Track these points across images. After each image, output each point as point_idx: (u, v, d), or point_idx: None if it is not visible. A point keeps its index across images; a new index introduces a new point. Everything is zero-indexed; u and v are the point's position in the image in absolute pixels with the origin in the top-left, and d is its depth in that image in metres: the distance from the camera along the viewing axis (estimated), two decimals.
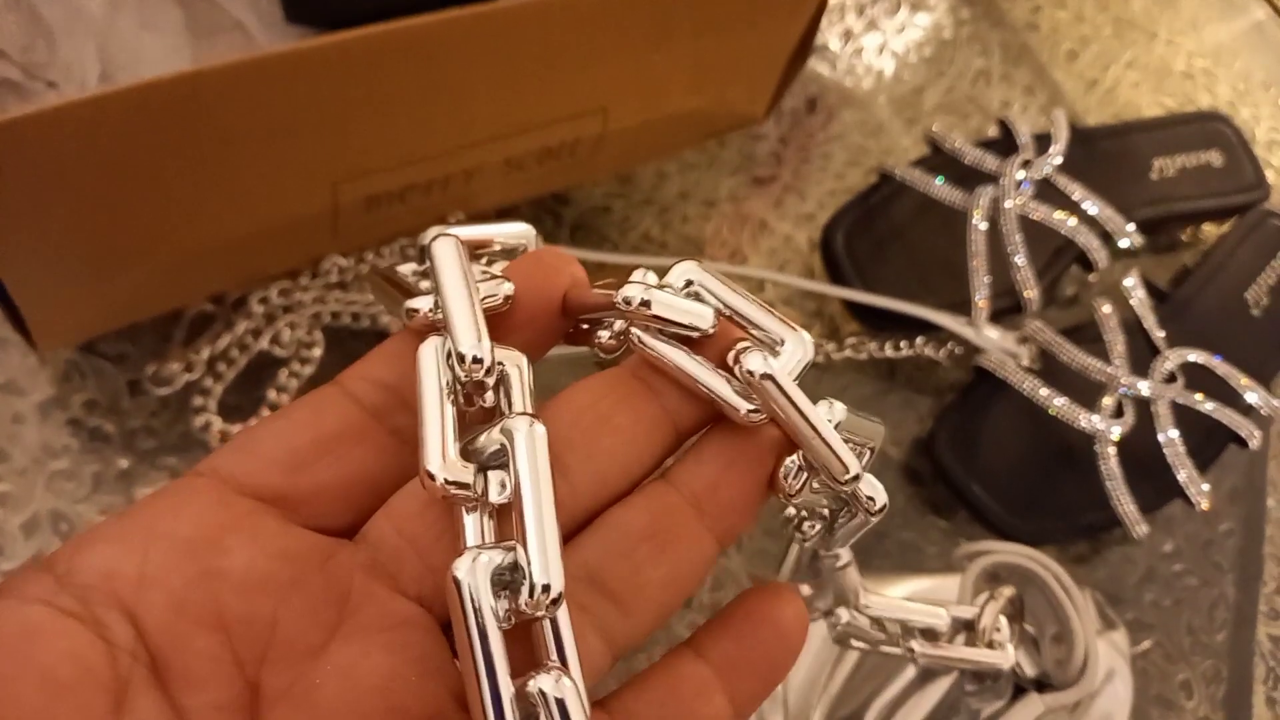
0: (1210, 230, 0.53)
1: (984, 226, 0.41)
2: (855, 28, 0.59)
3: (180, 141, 0.29)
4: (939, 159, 0.46)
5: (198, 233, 0.32)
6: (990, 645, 0.26)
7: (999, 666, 0.25)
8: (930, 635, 0.28)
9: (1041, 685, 0.27)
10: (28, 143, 0.26)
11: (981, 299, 0.41)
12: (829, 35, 0.58)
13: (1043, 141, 0.45)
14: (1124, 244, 0.44)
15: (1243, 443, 0.41)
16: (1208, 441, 0.42)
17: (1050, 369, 0.41)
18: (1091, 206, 0.43)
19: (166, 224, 0.31)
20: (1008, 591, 0.27)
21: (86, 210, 0.29)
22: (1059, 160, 0.44)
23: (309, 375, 0.35)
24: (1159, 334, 0.41)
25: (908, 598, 0.29)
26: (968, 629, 0.27)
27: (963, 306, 0.43)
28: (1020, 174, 0.43)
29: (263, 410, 0.35)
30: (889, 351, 0.43)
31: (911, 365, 0.48)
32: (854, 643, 0.26)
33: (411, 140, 0.33)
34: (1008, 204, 0.41)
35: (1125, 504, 0.39)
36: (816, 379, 0.47)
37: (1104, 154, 0.48)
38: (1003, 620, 0.26)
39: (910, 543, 0.45)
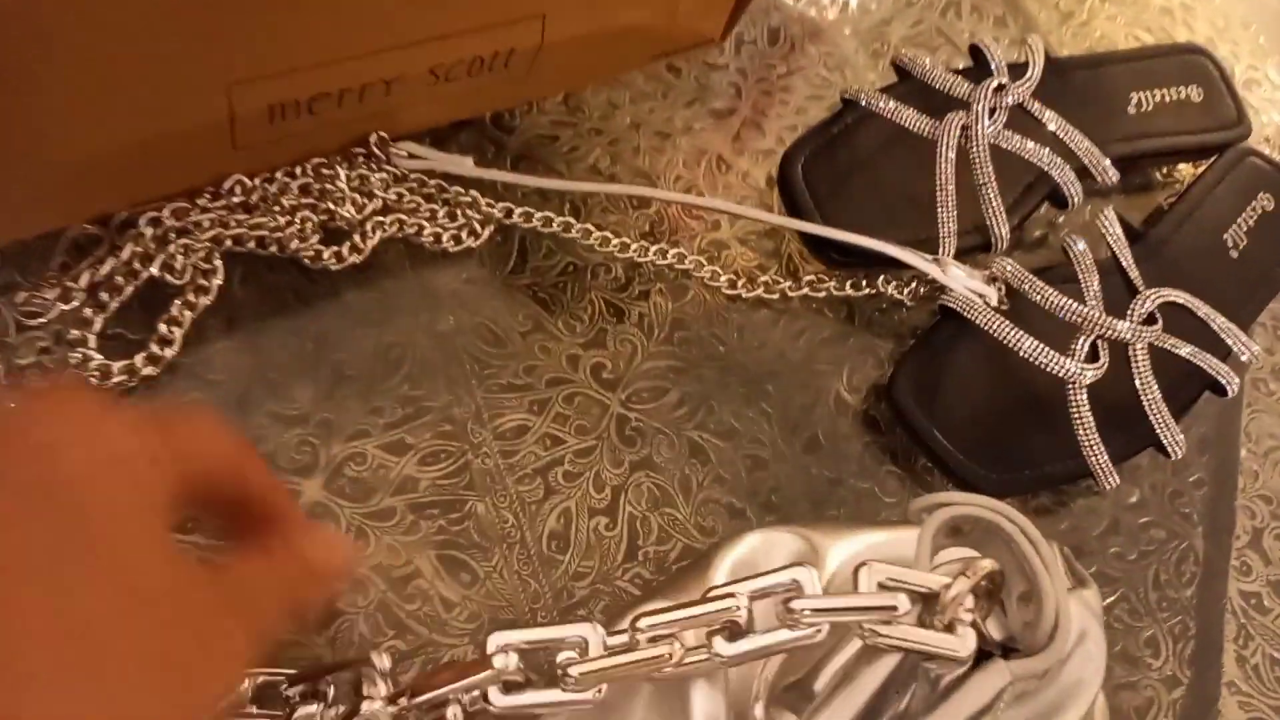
0: (1186, 170, 0.51)
1: (953, 156, 0.38)
2: None
3: (49, 35, 0.25)
4: (906, 86, 0.43)
5: (74, 142, 0.28)
6: (950, 627, 0.23)
7: (955, 655, 0.23)
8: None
9: (1007, 650, 0.25)
10: None
11: (949, 234, 0.38)
12: None
13: (1016, 70, 0.42)
14: (1102, 180, 0.41)
15: (1221, 390, 0.39)
16: (1182, 388, 0.40)
17: (1019, 310, 0.39)
18: (1069, 138, 0.40)
19: (37, 132, 0.27)
20: (986, 565, 0.24)
21: None
22: (1034, 85, 0.41)
23: (206, 305, 0.32)
24: (1135, 273, 0.38)
25: (863, 556, 0.26)
26: (925, 600, 0.24)
27: (927, 244, 0.40)
28: (993, 100, 0.40)
29: (151, 345, 0.31)
30: (849, 290, 0.40)
31: (872, 307, 0.45)
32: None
33: (319, 38, 0.29)
34: (980, 131, 0.38)
35: (1098, 454, 0.37)
36: (774, 321, 0.45)
37: (1079, 85, 0.45)
38: (969, 598, 0.24)
39: (866, 491, 0.43)
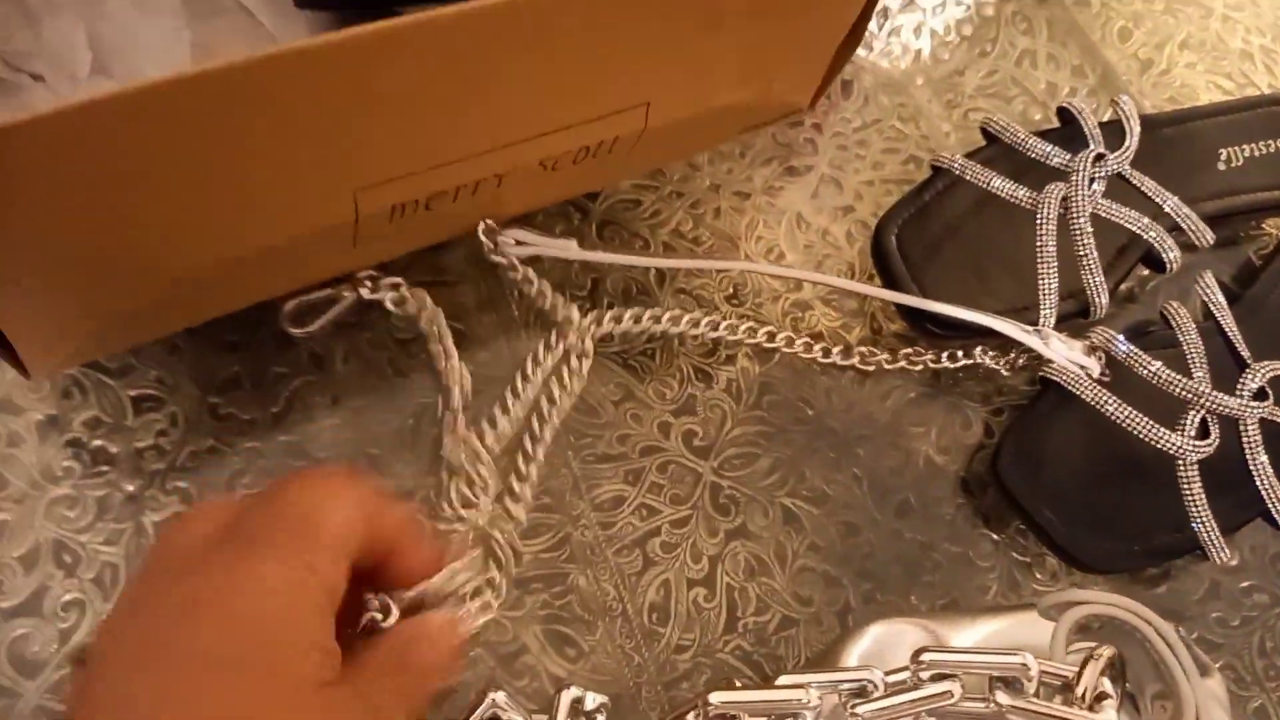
0: (1272, 223, 0.50)
1: (1054, 228, 0.38)
2: (892, 5, 0.55)
3: (183, 149, 0.26)
4: (994, 149, 0.43)
5: (204, 250, 0.29)
6: (1091, 710, 0.23)
7: None
8: (1014, 686, 0.25)
9: None
10: (11, 154, 0.23)
11: (1050, 306, 0.38)
12: None
13: (1108, 130, 0.42)
14: (1199, 243, 0.41)
15: None
16: None
17: (1122, 379, 0.38)
18: (1165, 202, 0.40)
19: (169, 241, 0.28)
20: (1108, 651, 0.24)
21: (81, 226, 0.26)
22: (1132, 154, 0.40)
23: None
24: (1241, 343, 0.38)
25: (981, 645, 0.26)
26: (1065, 690, 0.24)
27: (1024, 311, 0.40)
28: (1093, 170, 0.40)
29: None
30: (946, 362, 0.40)
31: (959, 365, 0.45)
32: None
33: (439, 144, 0.29)
34: (1081, 203, 0.38)
35: (1209, 529, 0.36)
36: (860, 382, 0.45)
37: (1168, 143, 0.45)
38: (1105, 682, 0.24)
39: (960, 555, 0.43)
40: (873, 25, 0.54)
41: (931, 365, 0.40)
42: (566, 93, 0.30)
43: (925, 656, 0.25)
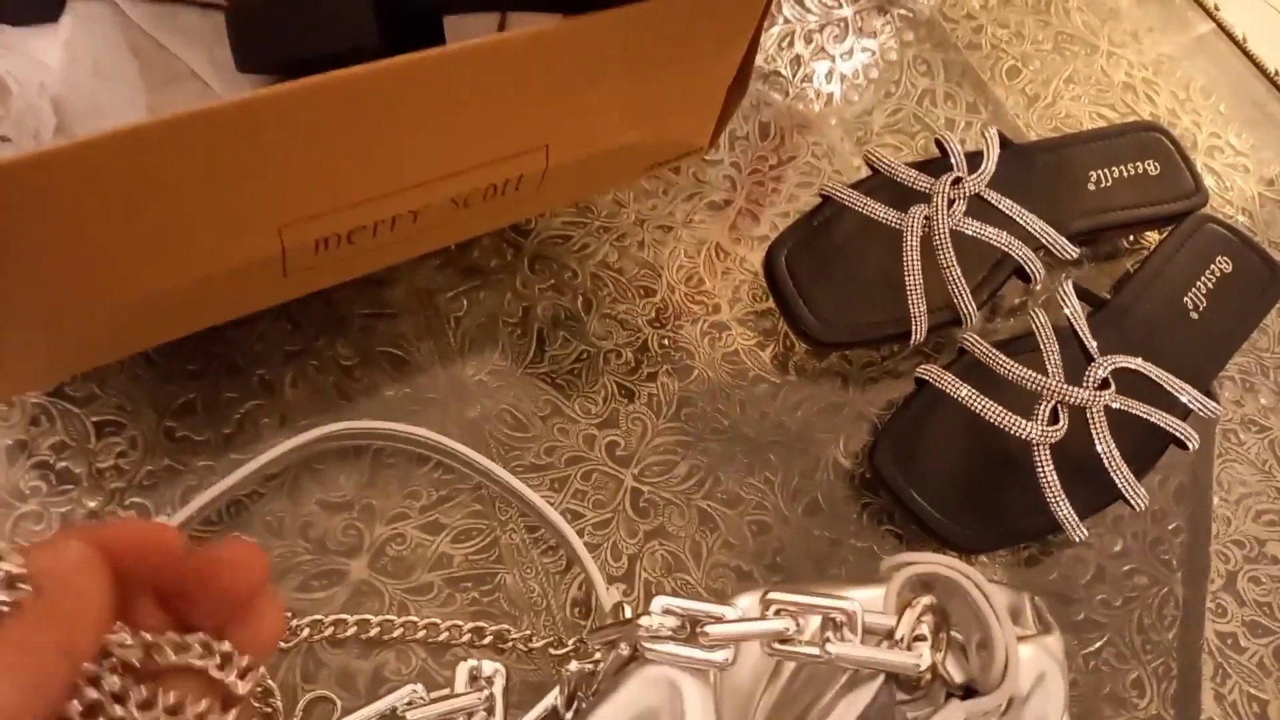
0: (1152, 237, 0.55)
1: (917, 244, 0.43)
2: (805, 54, 0.60)
3: (124, 195, 0.30)
4: (878, 179, 0.48)
5: (146, 283, 0.33)
6: (909, 649, 0.27)
7: (914, 665, 0.27)
8: (843, 629, 0.29)
9: (970, 692, 0.28)
10: None
11: (919, 315, 0.42)
12: (779, 62, 0.60)
13: (976, 159, 0.47)
14: (1062, 255, 0.45)
15: (1183, 445, 0.42)
16: (1150, 440, 0.43)
17: (992, 379, 0.42)
18: (1024, 220, 0.45)
19: (114, 276, 0.32)
20: (925, 599, 0.28)
21: (33, 265, 0.30)
22: (989, 177, 0.45)
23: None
24: (1091, 342, 0.42)
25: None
26: (889, 637, 0.28)
27: (901, 320, 0.44)
28: (952, 192, 0.44)
29: None
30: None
31: (865, 377, 0.49)
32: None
33: (355, 185, 0.34)
34: (941, 221, 0.43)
35: (1064, 510, 0.40)
36: (773, 394, 0.49)
37: (1041, 168, 0.49)
38: (923, 625, 0.27)
39: (865, 550, 0.46)
40: (787, 71, 0.59)
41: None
42: (467, 139, 0.35)
43: (772, 595, 0.29)
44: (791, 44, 0.61)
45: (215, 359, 0.43)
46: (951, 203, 0.43)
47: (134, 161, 0.29)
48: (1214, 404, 0.43)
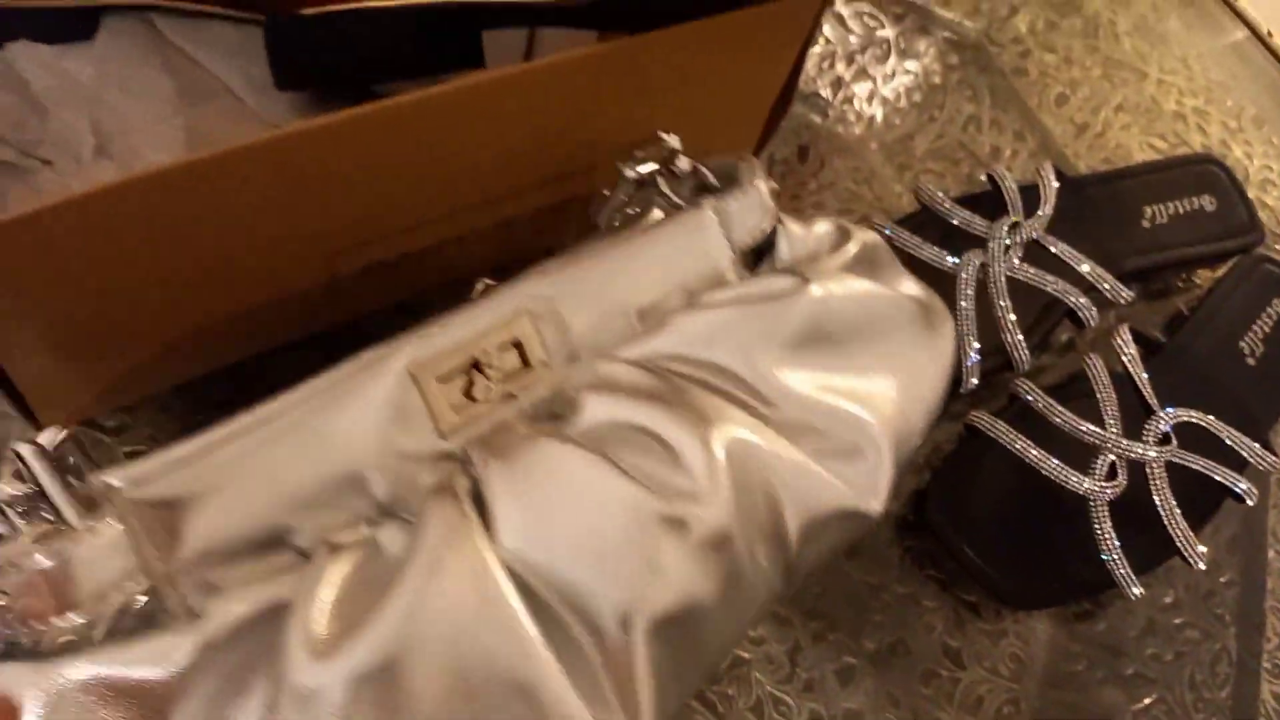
0: (1205, 274, 0.53)
1: (972, 293, 0.41)
2: (845, 75, 0.59)
3: (174, 228, 0.29)
4: (927, 214, 0.46)
5: (194, 313, 0.32)
6: None
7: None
8: None
9: None
10: (25, 238, 0.26)
11: (972, 362, 0.41)
12: (819, 83, 0.58)
13: (1030, 195, 0.45)
14: (1115, 300, 0.44)
15: (1240, 499, 0.41)
16: (1206, 492, 0.42)
17: (1045, 424, 0.41)
18: (1081, 265, 0.43)
19: (163, 306, 0.31)
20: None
21: (84, 296, 0.29)
22: (1046, 220, 0.43)
23: None
24: (1150, 393, 0.41)
25: None
26: None
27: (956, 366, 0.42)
28: (1008, 239, 0.43)
29: None
30: None
31: None
32: None
33: (405, 211, 0.33)
34: (998, 269, 0.41)
35: (1120, 566, 0.38)
36: None
37: (1094, 202, 0.48)
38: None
39: (908, 596, 0.45)
40: (828, 93, 0.58)
41: None
42: (516, 162, 0.34)
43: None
44: (832, 65, 0.59)
45: (244, 389, 0.42)
46: (1007, 249, 0.42)
47: (182, 196, 0.28)
48: (1271, 457, 0.41)
